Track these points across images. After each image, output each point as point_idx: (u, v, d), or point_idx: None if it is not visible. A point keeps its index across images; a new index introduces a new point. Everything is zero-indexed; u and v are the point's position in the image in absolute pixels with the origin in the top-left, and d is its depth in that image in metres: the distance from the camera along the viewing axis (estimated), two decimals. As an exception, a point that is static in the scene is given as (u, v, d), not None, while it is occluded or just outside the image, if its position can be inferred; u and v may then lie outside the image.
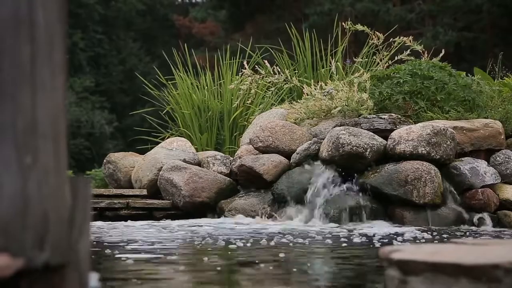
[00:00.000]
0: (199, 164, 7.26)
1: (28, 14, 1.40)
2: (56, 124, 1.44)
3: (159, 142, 8.25)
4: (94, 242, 4.36)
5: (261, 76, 8.48)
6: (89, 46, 26.27)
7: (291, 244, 4.32)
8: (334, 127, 6.70)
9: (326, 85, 7.56)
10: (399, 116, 6.82)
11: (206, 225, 5.91)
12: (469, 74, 7.63)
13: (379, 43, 8.45)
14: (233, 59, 9.16)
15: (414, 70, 7.09)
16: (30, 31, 1.40)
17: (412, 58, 8.00)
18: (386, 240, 4.58)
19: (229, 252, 3.95)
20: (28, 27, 1.40)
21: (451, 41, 21.22)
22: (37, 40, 1.41)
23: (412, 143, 6.26)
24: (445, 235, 5.02)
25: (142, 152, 8.00)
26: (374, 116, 6.76)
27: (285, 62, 9.01)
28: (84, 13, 26.24)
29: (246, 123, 8.50)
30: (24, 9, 1.40)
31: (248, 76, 8.48)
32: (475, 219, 6.18)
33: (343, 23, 8.50)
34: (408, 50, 8.25)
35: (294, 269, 3.27)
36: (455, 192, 6.27)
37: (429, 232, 5.30)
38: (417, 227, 5.75)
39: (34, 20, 1.41)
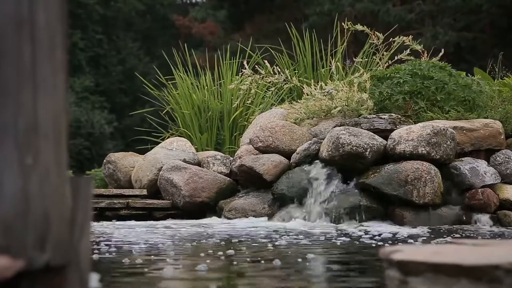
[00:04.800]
0: (199, 164, 7.26)
1: (29, 13, 1.40)
2: (57, 124, 1.44)
3: (159, 142, 8.25)
4: None
5: (261, 76, 8.48)
6: (89, 46, 26.26)
7: (286, 245, 4.32)
8: (334, 127, 6.69)
9: (326, 85, 7.56)
10: (399, 116, 6.82)
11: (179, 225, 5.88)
12: (469, 74, 7.62)
13: (379, 43, 8.45)
14: (233, 59, 9.16)
15: (414, 70, 7.09)
16: (31, 31, 1.40)
17: (412, 58, 7.99)
18: (386, 240, 4.58)
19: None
20: (29, 26, 1.40)
21: (451, 41, 21.21)
22: (38, 39, 1.41)
23: (412, 143, 6.25)
24: (445, 235, 5.02)
25: (142, 152, 7.99)
26: (374, 116, 6.76)
27: (285, 62, 9.01)
28: (83, 13, 26.22)
29: (246, 123, 8.50)
30: (25, 8, 1.40)
31: (248, 76, 8.48)
32: (475, 219, 6.18)
33: (343, 23, 8.49)
34: (408, 50, 8.25)
35: (294, 269, 3.27)
36: (455, 192, 6.27)
37: (429, 232, 5.30)
38: (417, 227, 5.75)
39: (35, 19, 1.41)
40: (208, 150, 8.37)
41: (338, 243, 4.42)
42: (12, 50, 1.41)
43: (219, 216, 6.64)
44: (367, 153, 6.26)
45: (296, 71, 8.89)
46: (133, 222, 6.37)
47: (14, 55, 1.41)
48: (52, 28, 1.42)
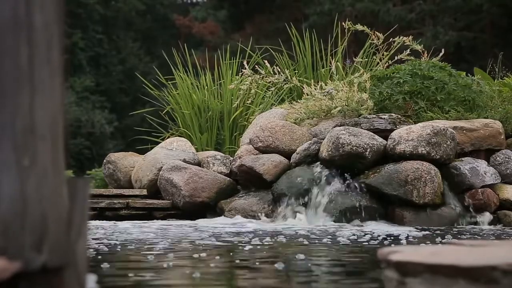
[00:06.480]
0: (199, 164, 7.26)
1: (26, 16, 1.40)
2: (55, 125, 1.44)
3: (159, 142, 8.25)
4: None
5: (261, 76, 8.48)
6: (89, 46, 26.27)
7: (284, 244, 4.32)
8: (334, 127, 6.69)
9: (326, 85, 7.56)
10: (399, 116, 6.82)
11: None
12: (469, 74, 7.62)
13: (379, 43, 8.45)
14: (233, 59, 9.16)
15: (414, 70, 7.09)
16: (28, 33, 1.40)
17: (412, 58, 7.99)
18: (386, 240, 4.58)
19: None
20: (26, 29, 1.40)
21: (451, 41, 21.21)
22: (35, 42, 1.41)
23: (412, 143, 6.25)
24: (444, 236, 5.02)
25: (142, 152, 7.99)
26: (374, 116, 6.76)
27: (285, 62, 9.00)
28: (84, 13, 26.23)
29: (246, 123, 8.50)
30: (22, 11, 1.40)
31: (248, 76, 8.48)
32: (475, 219, 6.18)
33: (343, 23, 8.49)
34: (408, 50, 8.25)
35: (293, 270, 3.27)
36: (455, 192, 6.27)
37: (428, 233, 5.30)
38: (417, 227, 5.75)
39: (32, 22, 1.41)
40: (208, 150, 8.37)
41: (337, 243, 4.42)
42: (10, 51, 1.41)
43: (219, 216, 6.64)
44: (367, 153, 6.26)
45: (296, 71, 8.89)
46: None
47: (12, 57, 1.41)
48: (48, 30, 1.42)
